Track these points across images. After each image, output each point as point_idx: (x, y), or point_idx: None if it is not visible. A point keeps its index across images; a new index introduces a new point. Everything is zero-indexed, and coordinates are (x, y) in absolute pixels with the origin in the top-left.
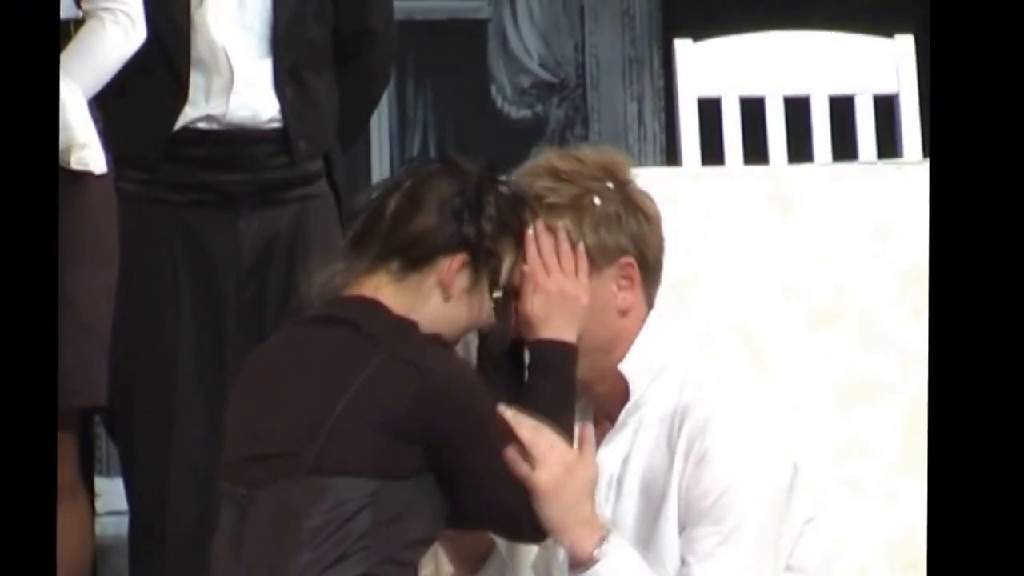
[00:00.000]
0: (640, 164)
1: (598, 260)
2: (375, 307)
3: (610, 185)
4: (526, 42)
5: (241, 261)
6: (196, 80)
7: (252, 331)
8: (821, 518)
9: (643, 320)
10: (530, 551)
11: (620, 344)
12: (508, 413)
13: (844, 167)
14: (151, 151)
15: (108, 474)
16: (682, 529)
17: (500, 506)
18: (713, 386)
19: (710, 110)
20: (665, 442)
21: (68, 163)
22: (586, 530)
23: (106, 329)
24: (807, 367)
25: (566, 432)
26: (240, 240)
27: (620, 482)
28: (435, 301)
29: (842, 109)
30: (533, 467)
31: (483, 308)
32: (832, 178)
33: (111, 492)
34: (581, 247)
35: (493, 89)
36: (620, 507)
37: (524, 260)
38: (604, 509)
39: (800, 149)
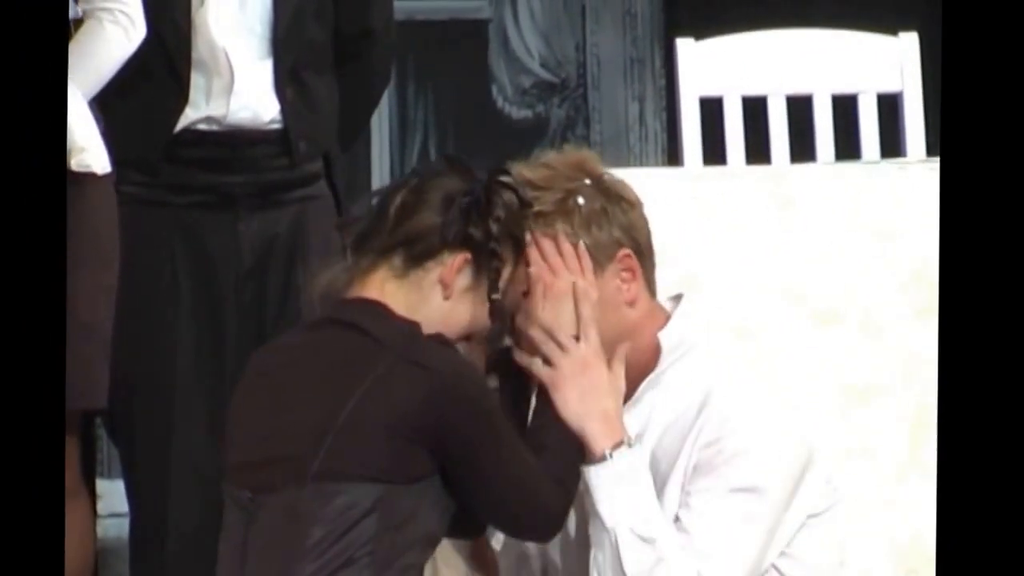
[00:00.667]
0: (642, 164)
1: (598, 258)
2: (377, 308)
3: (587, 181)
4: (527, 42)
5: (241, 262)
6: (196, 81)
7: (252, 332)
8: (829, 515)
9: (650, 305)
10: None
11: (635, 333)
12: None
13: (847, 166)
14: (152, 153)
15: (109, 476)
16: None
17: (508, 504)
18: (740, 366)
19: (712, 109)
20: (688, 419)
21: (69, 165)
22: (605, 427)
23: (107, 331)
24: (808, 368)
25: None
26: (240, 241)
27: None
28: (435, 300)
29: (845, 108)
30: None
31: (482, 310)
32: (835, 178)
33: (112, 494)
34: (582, 245)
35: (494, 89)
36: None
37: (528, 264)
38: None
39: (803, 148)
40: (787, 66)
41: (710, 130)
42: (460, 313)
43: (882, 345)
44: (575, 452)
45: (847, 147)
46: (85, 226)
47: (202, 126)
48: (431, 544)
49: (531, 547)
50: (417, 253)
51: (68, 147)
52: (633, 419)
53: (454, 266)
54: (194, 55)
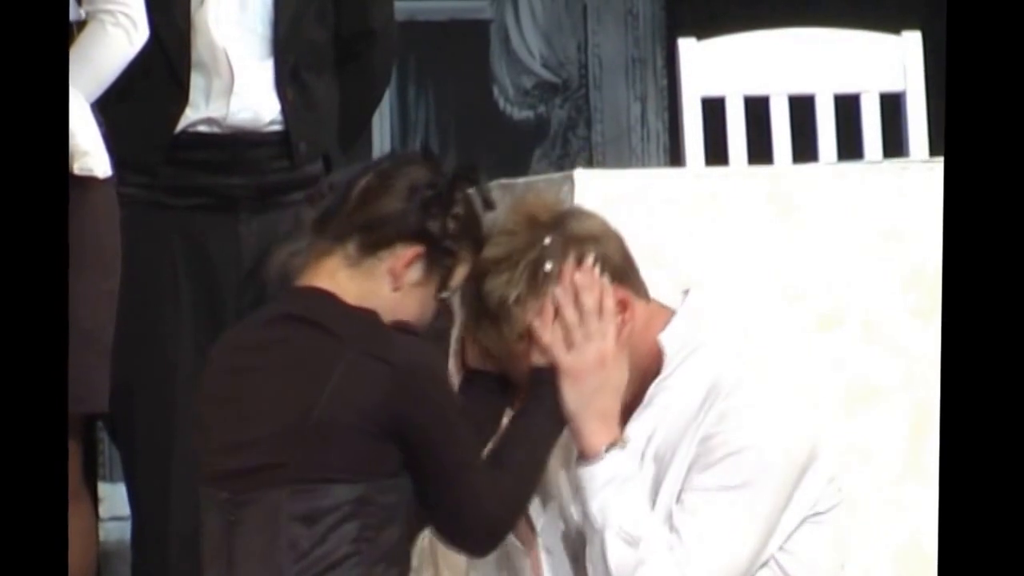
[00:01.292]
0: (644, 164)
1: None
2: (330, 299)
3: (547, 241)
4: (528, 42)
5: (242, 264)
6: (196, 82)
7: None
8: (832, 515)
9: (653, 312)
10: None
11: (633, 342)
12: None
13: (849, 166)
14: (153, 154)
15: (111, 479)
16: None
17: (448, 507)
18: (746, 359)
19: (714, 109)
20: (691, 413)
21: (71, 168)
22: (602, 425)
23: (108, 335)
24: (810, 369)
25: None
26: (240, 243)
27: (643, 456)
28: (385, 290)
29: (847, 108)
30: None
31: (431, 305)
32: (837, 177)
33: (114, 497)
34: (605, 280)
35: (495, 90)
36: (641, 479)
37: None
38: None
39: (805, 148)
40: (789, 66)
41: (712, 130)
42: (408, 306)
43: (883, 346)
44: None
45: (849, 147)
46: (87, 230)
47: (202, 128)
48: (417, 532)
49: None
50: (372, 241)
51: (70, 150)
52: (644, 422)
53: (405, 258)
54: (194, 56)
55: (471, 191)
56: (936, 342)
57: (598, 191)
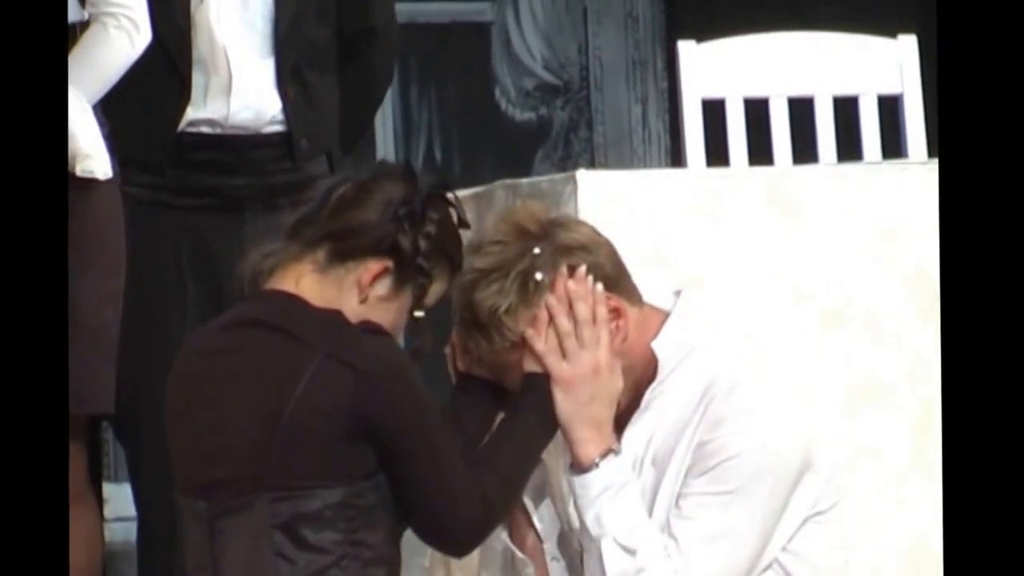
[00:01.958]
0: (645, 166)
1: None
2: (296, 303)
3: (536, 251)
4: (529, 45)
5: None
6: (196, 80)
7: None
8: (834, 514)
9: (646, 316)
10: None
11: (636, 345)
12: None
13: (849, 167)
14: (157, 152)
15: (116, 480)
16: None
17: (422, 508)
18: (741, 362)
19: (714, 111)
20: (687, 416)
21: (73, 170)
22: (594, 434)
23: (113, 336)
24: (813, 368)
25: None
26: (245, 243)
27: (642, 461)
28: (351, 301)
29: (846, 110)
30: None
31: (398, 320)
32: (837, 178)
33: (119, 498)
34: (600, 287)
35: (497, 92)
36: (639, 484)
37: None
38: None
39: (804, 150)
40: (789, 68)
41: (712, 132)
42: (375, 318)
43: (886, 345)
44: (533, 457)
45: (848, 148)
46: (90, 231)
47: (205, 129)
48: (403, 529)
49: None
50: (342, 250)
51: (72, 153)
52: (642, 427)
53: (372, 271)
54: (195, 53)
55: (448, 209)
56: (939, 339)
57: (600, 192)
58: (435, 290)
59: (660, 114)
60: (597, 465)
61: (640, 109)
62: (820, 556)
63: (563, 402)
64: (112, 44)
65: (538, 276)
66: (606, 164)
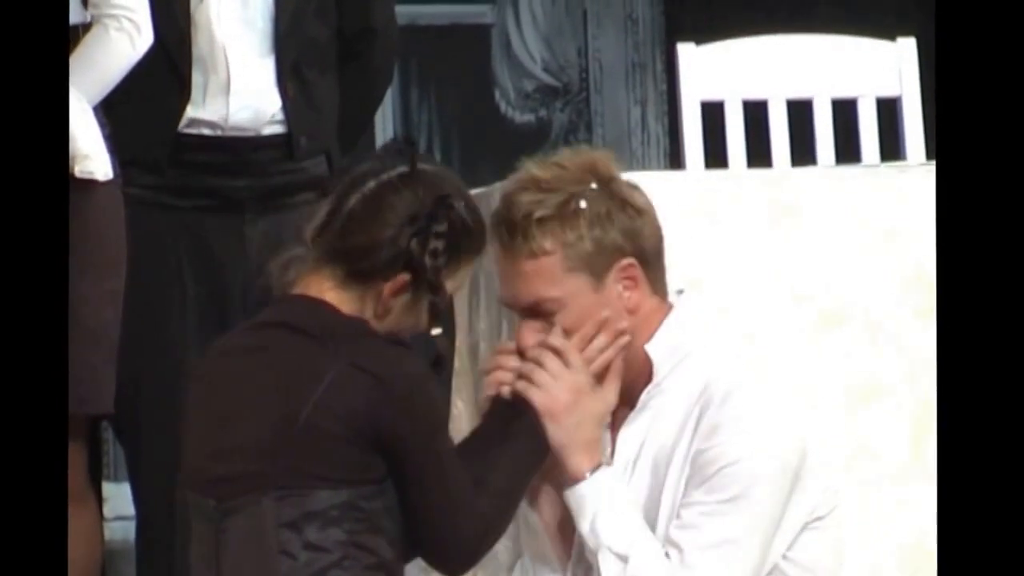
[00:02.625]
0: (644, 168)
1: (596, 266)
2: (323, 308)
3: (594, 185)
4: (529, 47)
5: (247, 265)
6: (195, 79)
7: None
8: (831, 520)
9: (656, 309)
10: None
11: (635, 337)
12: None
13: (847, 170)
14: (158, 151)
15: (116, 479)
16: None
17: (426, 525)
18: (737, 366)
19: (713, 113)
20: (682, 420)
21: (73, 171)
22: (585, 455)
23: (113, 336)
24: (811, 369)
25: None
26: (246, 244)
27: (635, 463)
28: (370, 313)
29: (845, 112)
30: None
31: (419, 328)
32: (835, 181)
33: (119, 497)
34: (557, 330)
35: (497, 93)
36: (632, 487)
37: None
38: None
39: (803, 152)
40: (787, 71)
41: (711, 134)
42: (397, 328)
43: (885, 345)
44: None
45: (847, 150)
46: (90, 232)
47: (206, 131)
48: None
49: None
50: (358, 269)
51: (72, 153)
52: (637, 428)
53: (391, 287)
54: (194, 51)
55: (456, 210)
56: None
57: None
58: (461, 276)
59: (659, 116)
60: (587, 476)
61: (639, 111)
62: (818, 561)
63: (552, 431)
64: (113, 46)
65: (582, 204)
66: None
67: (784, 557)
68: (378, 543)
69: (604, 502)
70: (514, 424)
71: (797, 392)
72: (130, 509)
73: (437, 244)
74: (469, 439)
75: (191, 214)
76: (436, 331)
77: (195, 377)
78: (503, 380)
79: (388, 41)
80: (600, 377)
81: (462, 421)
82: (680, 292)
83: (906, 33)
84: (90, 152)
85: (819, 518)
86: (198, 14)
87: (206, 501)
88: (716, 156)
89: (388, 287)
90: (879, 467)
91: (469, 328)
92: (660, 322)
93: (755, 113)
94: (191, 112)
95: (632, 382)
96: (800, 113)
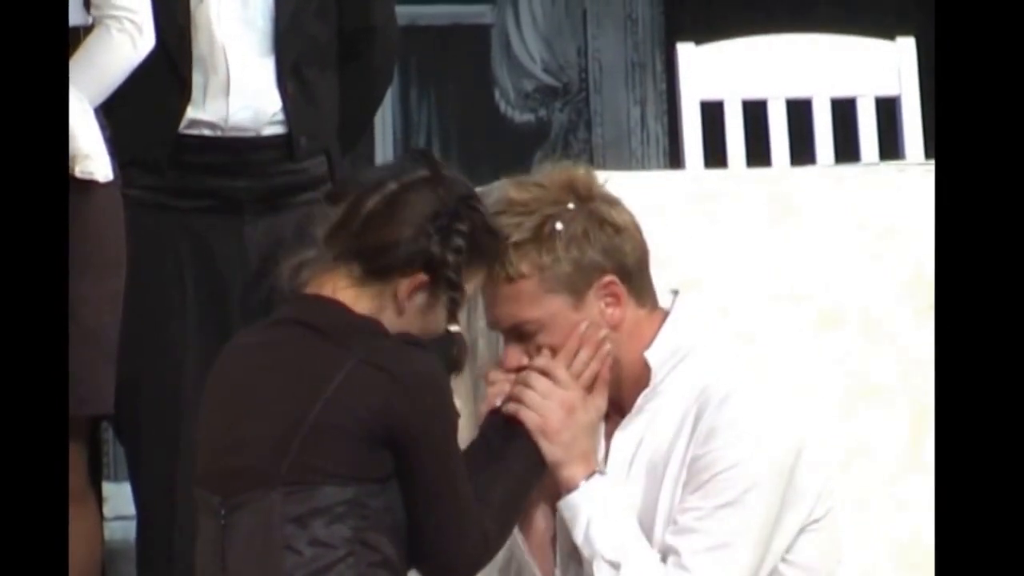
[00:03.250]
0: (643, 167)
1: (575, 286)
2: (338, 307)
3: (571, 205)
4: (529, 46)
5: (248, 266)
6: (196, 79)
7: None
8: (828, 520)
9: (646, 319)
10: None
11: (626, 350)
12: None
13: (847, 169)
14: (159, 151)
15: (116, 479)
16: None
17: (429, 529)
18: (735, 368)
19: (713, 113)
20: (679, 423)
21: (73, 172)
22: (580, 467)
23: (113, 336)
24: (810, 369)
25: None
26: (246, 245)
27: (631, 465)
28: (389, 313)
29: (844, 111)
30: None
31: (435, 328)
32: (835, 180)
33: (119, 497)
34: (545, 353)
35: (496, 93)
36: (628, 489)
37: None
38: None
39: (802, 151)
40: (787, 70)
41: (711, 133)
42: (413, 328)
43: (883, 345)
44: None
45: (846, 149)
46: (90, 232)
47: (206, 132)
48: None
49: None
50: (376, 267)
51: (72, 154)
52: (633, 430)
53: (408, 286)
54: (194, 51)
55: (478, 213)
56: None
57: None
58: (477, 278)
59: (659, 116)
60: (580, 485)
61: (639, 111)
62: (814, 563)
63: (548, 449)
64: (115, 47)
65: (558, 226)
66: (605, 165)
67: (782, 559)
68: (383, 540)
69: (598, 509)
70: (512, 443)
71: (796, 391)
72: (130, 509)
73: (460, 242)
74: (467, 451)
75: (191, 215)
76: (455, 328)
77: (212, 370)
78: (502, 392)
79: (388, 41)
80: (588, 388)
81: (460, 421)
82: (675, 292)
83: (906, 33)
84: (90, 152)
85: (816, 520)
86: (198, 14)
87: (213, 497)
88: (715, 155)
89: (405, 285)
90: (876, 466)
91: (468, 327)
92: (656, 329)
93: (754, 112)
94: (191, 113)
95: (628, 390)
96: (799, 113)
